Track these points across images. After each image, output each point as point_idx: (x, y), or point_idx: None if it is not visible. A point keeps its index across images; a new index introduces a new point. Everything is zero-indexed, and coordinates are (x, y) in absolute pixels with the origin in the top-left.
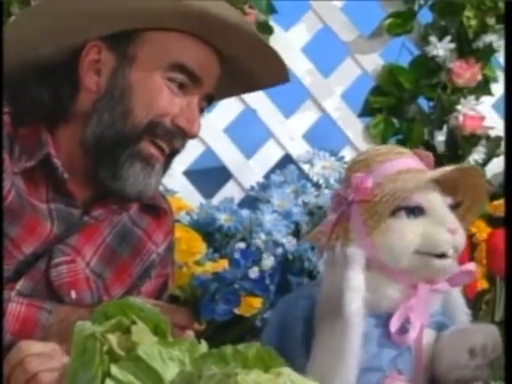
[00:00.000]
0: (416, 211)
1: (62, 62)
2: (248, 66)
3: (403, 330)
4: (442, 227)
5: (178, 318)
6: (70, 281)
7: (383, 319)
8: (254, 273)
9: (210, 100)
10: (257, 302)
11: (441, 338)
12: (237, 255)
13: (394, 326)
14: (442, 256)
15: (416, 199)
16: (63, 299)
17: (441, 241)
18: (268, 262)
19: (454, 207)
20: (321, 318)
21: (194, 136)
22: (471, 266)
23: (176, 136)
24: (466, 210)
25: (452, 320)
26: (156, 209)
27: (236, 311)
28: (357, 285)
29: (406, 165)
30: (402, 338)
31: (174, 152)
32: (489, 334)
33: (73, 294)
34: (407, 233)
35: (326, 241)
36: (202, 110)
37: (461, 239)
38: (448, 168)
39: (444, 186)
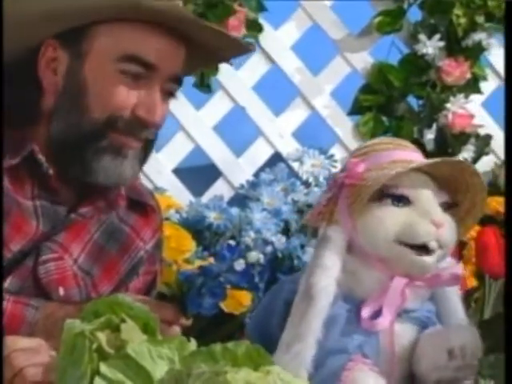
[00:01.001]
0: (402, 201)
1: (22, 61)
2: (209, 47)
3: (374, 317)
4: (425, 218)
5: (164, 313)
6: (57, 278)
7: (355, 304)
8: (239, 265)
9: (177, 81)
10: (246, 300)
11: (420, 338)
12: (223, 249)
13: (365, 312)
14: (423, 249)
15: (402, 188)
16: (51, 296)
17: (421, 230)
18: (254, 254)
19: (452, 206)
20: (296, 299)
21: (155, 125)
22: (458, 270)
23: (138, 127)
24: (465, 213)
25: (445, 323)
26: (143, 206)
27: (225, 309)
28: (328, 264)
29: (403, 156)
30: (370, 324)
31: (147, 141)
32: (468, 336)
33: (61, 291)
34: (388, 220)
35: (313, 221)
36: (171, 94)
37: (447, 234)
38: (434, 160)
39: (444, 185)
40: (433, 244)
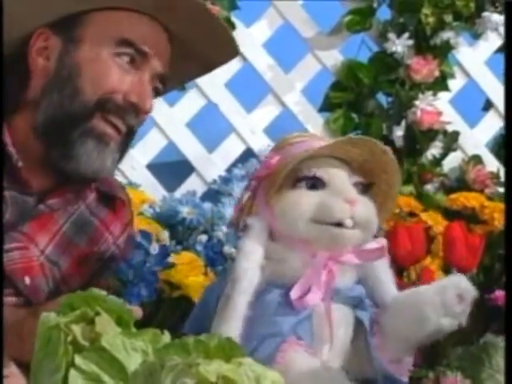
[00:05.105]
0: (317, 184)
1: (11, 54)
2: (198, 45)
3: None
4: (339, 197)
5: None
6: (22, 267)
7: (287, 288)
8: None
9: (163, 81)
10: None
11: (393, 301)
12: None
13: (294, 292)
14: (340, 225)
15: (314, 171)
16: (17, 285)
17: (335, 208)
18: (227, 248)
19: (368, 187)
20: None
21: (146, 112)
22: (382, 241)
23: (128, 112)
24: (384, 196)
25: (378, 293)
26: (114, 199)
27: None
28: (247, 249)
29: (317, 145)
30: (301, 303)
31: (131, 131)
32: (466, 281)
33: (27, 280)
34: (302, 201)
35: (236, 219)
36: (156, 91)
37: (361, 211)
38: (339, 139)
39: (358, 168)
40: (348, 221)
